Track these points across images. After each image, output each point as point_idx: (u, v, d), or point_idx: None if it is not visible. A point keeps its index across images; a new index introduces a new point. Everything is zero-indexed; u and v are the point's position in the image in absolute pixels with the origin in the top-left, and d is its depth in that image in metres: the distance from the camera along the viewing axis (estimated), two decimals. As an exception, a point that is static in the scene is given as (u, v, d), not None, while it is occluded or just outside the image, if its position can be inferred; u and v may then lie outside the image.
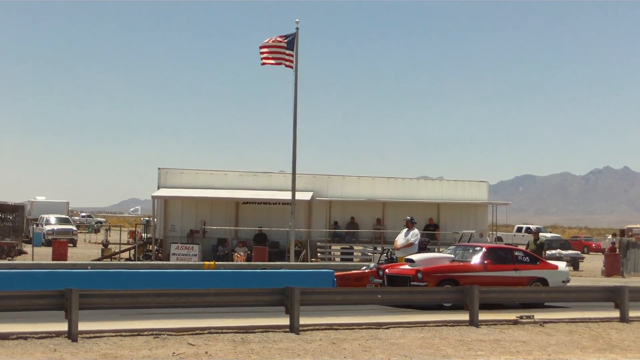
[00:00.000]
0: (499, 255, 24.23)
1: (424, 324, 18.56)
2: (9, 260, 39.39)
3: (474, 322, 18.83)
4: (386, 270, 23.90)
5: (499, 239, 55.89)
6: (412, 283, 22.47)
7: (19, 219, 51.61)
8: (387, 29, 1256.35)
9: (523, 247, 30.00)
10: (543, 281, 23.99)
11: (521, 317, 19.63)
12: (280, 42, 33.07)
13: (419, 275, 22.51)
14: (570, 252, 49.74)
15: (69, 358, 13.46)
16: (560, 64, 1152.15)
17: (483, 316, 19.17)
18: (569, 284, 24.89)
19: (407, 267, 23.45)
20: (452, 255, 24.36)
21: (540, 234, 37.03)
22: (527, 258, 24.64)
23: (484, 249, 24.23)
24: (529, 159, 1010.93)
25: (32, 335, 15.10)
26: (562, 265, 25.75)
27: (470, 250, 24.51)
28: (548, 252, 43.04)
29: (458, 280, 22.61)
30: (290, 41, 33.16)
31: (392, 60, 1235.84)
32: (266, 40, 33.23)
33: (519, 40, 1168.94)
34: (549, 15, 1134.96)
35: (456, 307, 20.32)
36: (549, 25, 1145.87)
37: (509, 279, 23.43)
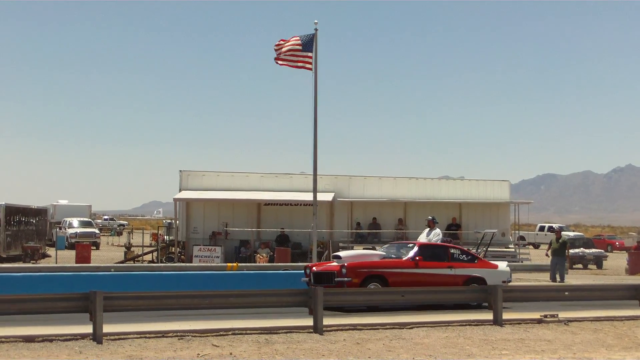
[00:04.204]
0: (433, 253, 23.26)
1: (448, 323, 18.53)
2: (33, 263, 39.63)
3: (498, 321, 18.77)
4: (313, 267, 22.94)
5: (522, 238, 55.70)
6: (336, 279, 21.56)
7: (42, 222, 51.94)
8: (407, 28, 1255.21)
9: (545, 247, 29.74)
10: (481, 280, 22.97)
11: (545, 316, 19.55)
12: (296, 44, 32.86)
13: (344, 271, 21.51)
14: (593, 250, 49.33)
15: (94, 360, 13.52)
16: (581, 61, 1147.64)
17: (507, 315, 19.12)
18: (591, 283, 24.73)
19: (334, 263, 22.55)
20: (384, 253, 23.54)
21: (562, 232, 36.92)
22: (465, 256, 23.61)
23: (416, 246, 23.32)
24: (550, 158, 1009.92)
25: (57, 338, 15.17)
26: (502, 264, 24.74)
27: (404, 248, 23.69)
28: (571, 250, 42.90)
29: (386, 277, 21.79)
30: (309, 43, 32.99)
31: (412, 60, 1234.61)
32: (281, 42, 32.99)
33: (541, 38, 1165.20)
34: (569, 11, 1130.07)
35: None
36: (570, 21, 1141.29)
37: (442, 277, 22.54)
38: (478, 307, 21.31)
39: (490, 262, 24.66)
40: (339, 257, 22.63)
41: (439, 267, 22.74)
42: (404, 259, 22.64)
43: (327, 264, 23.26)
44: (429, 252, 23.16)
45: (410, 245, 23.77)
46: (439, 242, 26.18)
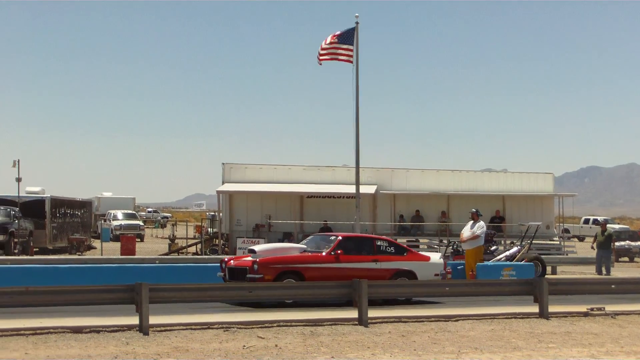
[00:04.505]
0: (357, 245, 22.03)
1: (493, 316, 18.45)
2: (78, 255, 39.98)
3: (543, 315, 18.65)
4: (230, 261, 21.63)
5: (566, 230, 55.30)
6: (248, 276, 20.27)
7: (87, 214, 52.47)
8: (448, 19, 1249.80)
9: (590, 240, 29.44)
10: (410, 274, 21.66)
11: (592, 309, 19.40)
12: (334, 40, 32.93)
13: (255, 267, 20.29)
14: (639, 243, 48.85)
15: (141, 351, 13.60)
16: (624, 50, 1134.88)
17: (553, 308, 18.98)
18: (638, 276, 24.45)
19: (248, 258, 21.22)
20: (304, 246, 22.25)
21: (608, 225, 36.58)
22: (392, 248, 22.19)
23: (338, 238, 21.91)
24: (594, 150, 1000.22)
25: (104, 329, 15.30)
26: (436, 256, 23.41)
27: (325, 240, 22.32)
28: (617, 243, 42.50)
29: (302, 273, 20.56)
30: (349, 35, 32.99)
31: (454, 51, 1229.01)
32: (324, 42, 33.13)
33: (582, 28, 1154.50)
34: None
35: (297, 305, 19.10)
36: (614, 6, 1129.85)
37: (366, 271, 20.94)
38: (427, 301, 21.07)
39: (422, 254, 23.52)
40: (253, 252, 21.35)
41: (363, 260, 21.47)
42: (323, 252, 21.38)
43: (243, 257, 21.95)
44: (351, 245, 21.90)
45: (332, 237, 22.33)
46: (479, 233, 26.08)
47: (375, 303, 18.62)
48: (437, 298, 20.79)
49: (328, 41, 32.74)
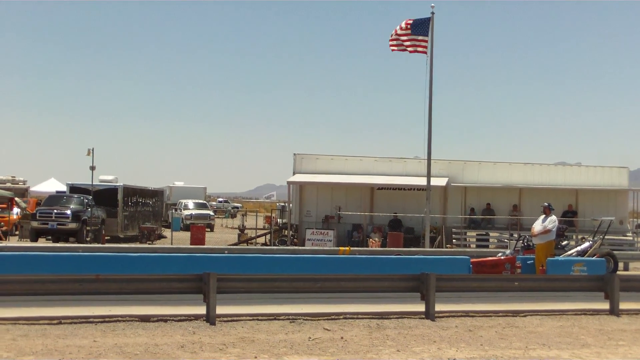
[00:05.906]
0: None
1: (562, 312, 18.22)
2: (149, 244, 40.39)
3: (614, 312, 18.36)
4: None
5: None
6: None
7: (159, 203, 52.99)
8: (526, 8, 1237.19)
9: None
10: None
11: (664, 307, 19.05)
12: (407, 29, 32.77)
13: None
14: None
15: (207, 341, 13.67)
16: None
17: (624, 305, 18.69)
18: None
19: None
20: None
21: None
22: None
23: None
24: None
25: (171, 318, 15.41)
26: None
27: None
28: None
29: None
30: (424, 26, 32.82)
31: (529, 44, 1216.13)
32: (399, 28, 33.03)
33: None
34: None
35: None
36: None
37: None
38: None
39: None
40: None
41: None
42: None
43: None
44: None
45: None
46: (551, 228, 25.74)
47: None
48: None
49: (402, 29, 32.63)
